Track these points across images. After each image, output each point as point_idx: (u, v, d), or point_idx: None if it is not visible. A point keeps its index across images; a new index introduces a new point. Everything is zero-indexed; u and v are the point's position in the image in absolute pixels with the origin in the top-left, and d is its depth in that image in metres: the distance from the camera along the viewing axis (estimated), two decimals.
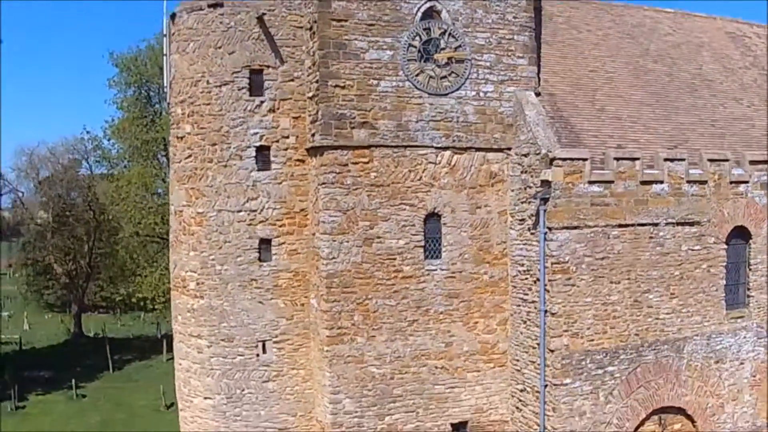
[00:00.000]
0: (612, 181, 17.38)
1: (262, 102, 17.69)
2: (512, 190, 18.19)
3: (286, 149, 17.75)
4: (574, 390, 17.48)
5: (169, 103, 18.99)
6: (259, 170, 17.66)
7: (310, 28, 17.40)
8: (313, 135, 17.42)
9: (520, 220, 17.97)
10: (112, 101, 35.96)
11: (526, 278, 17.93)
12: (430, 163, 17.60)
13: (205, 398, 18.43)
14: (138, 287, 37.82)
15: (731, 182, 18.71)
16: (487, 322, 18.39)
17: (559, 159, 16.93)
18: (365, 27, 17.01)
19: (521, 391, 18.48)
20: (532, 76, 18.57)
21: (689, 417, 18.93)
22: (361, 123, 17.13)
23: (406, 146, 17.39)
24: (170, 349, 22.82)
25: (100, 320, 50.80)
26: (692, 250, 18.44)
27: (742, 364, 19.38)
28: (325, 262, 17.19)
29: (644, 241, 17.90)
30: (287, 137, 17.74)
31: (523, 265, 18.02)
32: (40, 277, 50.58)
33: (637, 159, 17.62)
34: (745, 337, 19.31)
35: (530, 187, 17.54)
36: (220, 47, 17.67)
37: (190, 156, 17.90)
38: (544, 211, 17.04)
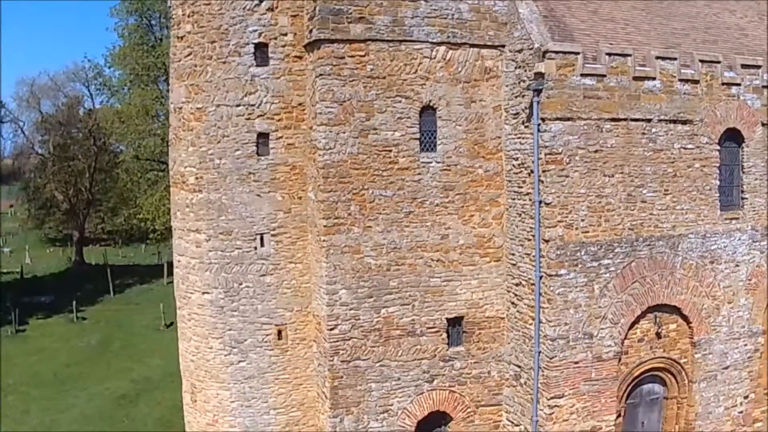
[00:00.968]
0: (604, 75, 17.60)
1: (261, 1, 18.10)
2: (506, 86, 18.46)
3: (284, 46, 18.11)
4: (569, 281, 17.65)
5: (170, 6, 19.43)
6: (257, 66, 18.00)
7: None
8: (310, 31, 17.75)
9: (514, 114, 18.25)
10: (113, 29, 36.67)
11: (521, 171, 18.16)
12: (425, 57, 17.90)
13: (203, 293, 18.71)
14: (138, 209, 38.24)
15: (723, 84, 18.86)
16: (483, 216, 18.62)
17: (552, 51, 17.18)
18: None
19: (517, 285, 18.65)
20: None
21: (685, 317, 19.03)
22: (357, 18, 17.44)
23: (401, 41, 17.70)
24: (170, 273, 23.19)
25: (101, 251, 51.11)
26: (685, 148, 18.61)
27: (737, 266, 19.48)
28: (322, 153, 17.49)
29: (637, 136, 18.10)
30: (285, 34, 18.10)
31: (517, 159, 18.27)
32: (41, 211, 50.92)
33: (629, 55, 17.84)
34: (740, 239, 19.42)
35: (524, 81, 17.78)
36: None
37: (190, 54, 18.30)
38: (538, 102, 17.30)
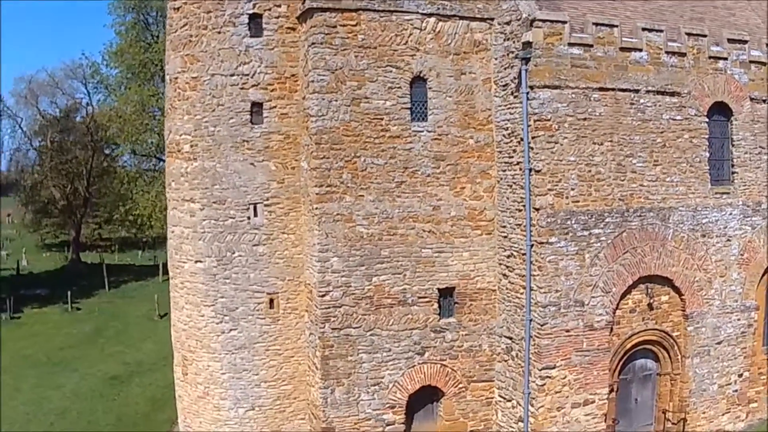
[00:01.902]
0: (591, 45, 17.87)
1: None
2: (495, 59, 18.75)
3: (277, 17, 18.48)
4: (559, 249, 17.68)
5: None
6: (251, 36, 18.36)
7: None
8: (303, 1, 18.19)
9: (503, 86, 18.50)
10: (110, 26, 37.06)
11: (511, 141, 18.34)
12: (416, 28, 18.21)
13: (196, 262, 18.78)
14: (135, 206, 38.35)
15: (710, 57, 19.13)
16: (474, 188, 18.75)
17: (539, 20, 17.48)
18: None
19: (508, 257, 18.68)
20: None
21: (677, 290, 19.01)
22: None
23: (392, 11, 18.03)
24: (166, 272, 23.30)
25: (97, 256, 51.00)
26: (674, 120, 18.80)
27: (729, 240, 19.52)
28: (314, 119, 17.71)
29: (625, 106, 18.30)
30: (279, 6, 18.48)
31: (507, 128, 18.45)
32: (39, 215, 51.08)
33: (616, 26, 18.13)
34: (731, 214, 19.49)
35: (512, 53, 18.07)
36: None
37: (186, 24, 18.66)
38: (526, 71, 17.55)
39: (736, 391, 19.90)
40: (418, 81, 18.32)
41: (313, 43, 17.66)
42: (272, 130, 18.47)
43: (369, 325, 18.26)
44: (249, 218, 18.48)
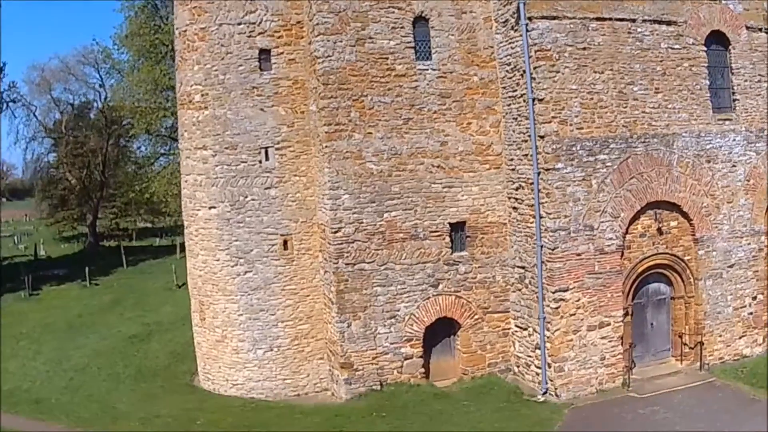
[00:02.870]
0: None
1: None
2: None
3: None
4: (566, 175, 18.02)
5: None
6: None
7: None
8: None
9: (503, 22, 18.95)
10: (119, 10, 37.74)
11: (514, 75, 18.77)
12: None
13: (210, 207, 19.21)
14: (149, 184, 38.94)
15: None
16: (480, 123, 19.16)
17: None
18: None
19: (517, 189, 19.01)
20: None
21: (685, 215, 19.23)
22: None
23: None
24: (184, 250, 23.76)
25: (115, 243, 50.82)
26: (672, 48, 19.16)
27: (734, 166, 19.76)
28: (321, 60, 18.21)
29: (623, 35, 18.69)
30: None
31: (509, 63, 18.88)
32: (56, 207, 51.75)
33: None
34: (734, 140, 19.76)
35: None
36: None
37: None
38: (524, 4, 18.04)
39: (751, 313, 20.01)
40: (420, 21, 18.82)
41: None
42: (281, 76, 18.96)
43: (382, 260, 18.59)
44: (260, 162, 18.91)
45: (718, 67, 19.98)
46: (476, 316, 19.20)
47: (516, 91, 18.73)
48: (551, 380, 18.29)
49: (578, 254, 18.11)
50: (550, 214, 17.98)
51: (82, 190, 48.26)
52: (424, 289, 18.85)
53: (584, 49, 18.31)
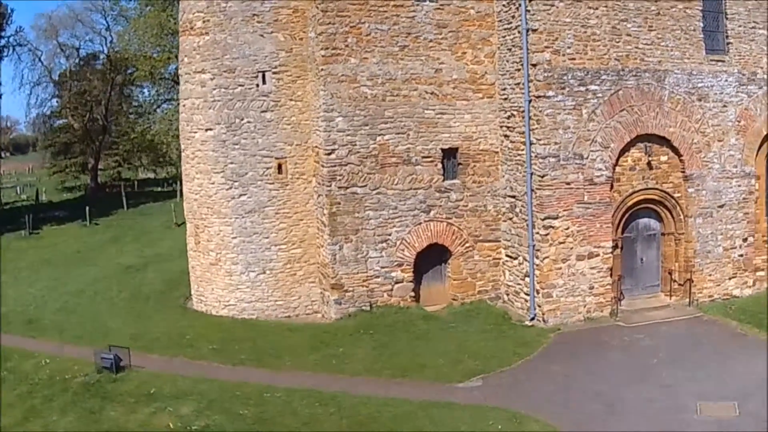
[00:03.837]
0: None
1: None
2: None
3: None
4: (557, 104, 18.28)
5: None
6: None
7: None
8: None
9: None
10: None
11: (510, 8, 19.00)
12: None
13: (207, 130, 19.50)
14: (151, 125, 39.28)
15: None
16: (475, 53, 19.45)
17: None
18: None
19: (508, 117, 19.27)
20: None
21: (675, 150, 19.43)
22: None
23: None
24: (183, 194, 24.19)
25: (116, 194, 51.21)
26: None
27: (725, 106, 19.96)
28: None
29: None
30: None
31: None
32: (58, 156, 52.21)
33: None
34: (726, 81, 19.96)
35: None
36: None
37: None
38: None
39: (741, 255, 20.14)
40: None
41: None
42: (281, 5, 19.28)
43: (375, 184, 18.84)
44: (257, 85, 19.22)
45: (712, 12, 20.25)
46: (467, 244, 19.40)
47: (511, 23, 19.00)
48: (539, 306, 18.46)
49: (568, 183, 18.33)
50: (540, 140, 18.22)
51: (84, 134, 48.48)
52: (416, 215, 19.09)
53: None
